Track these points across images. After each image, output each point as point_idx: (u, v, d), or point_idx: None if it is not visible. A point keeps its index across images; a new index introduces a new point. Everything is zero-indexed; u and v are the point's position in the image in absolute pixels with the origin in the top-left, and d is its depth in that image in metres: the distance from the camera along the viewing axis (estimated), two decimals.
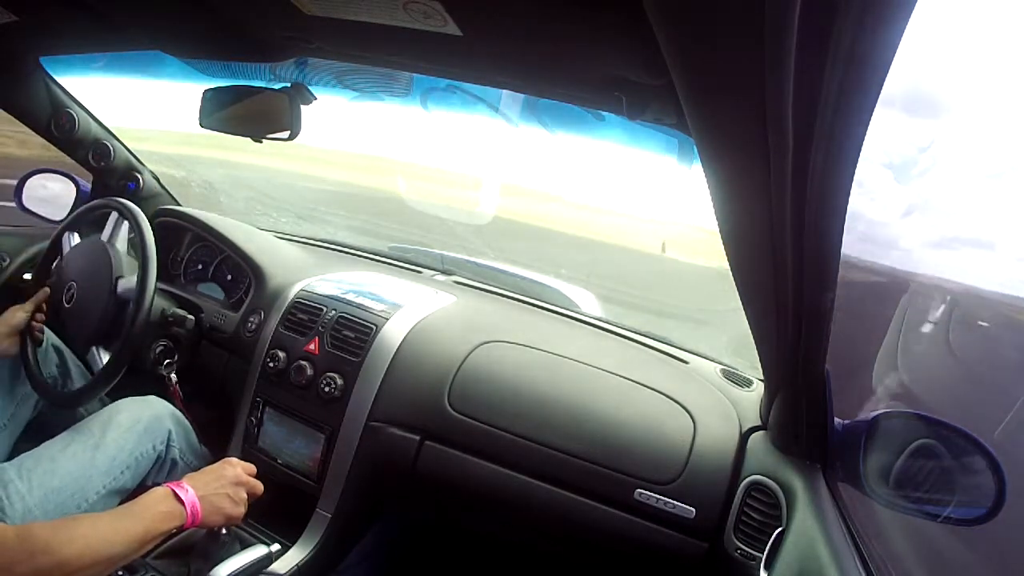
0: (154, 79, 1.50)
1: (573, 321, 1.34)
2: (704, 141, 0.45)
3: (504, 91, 1.04)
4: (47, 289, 1.13)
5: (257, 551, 0.94)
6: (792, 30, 0.30)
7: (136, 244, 1.09)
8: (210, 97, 1.07)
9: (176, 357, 1.23)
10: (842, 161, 0.42)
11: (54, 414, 1.15)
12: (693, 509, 0.93)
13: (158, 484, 0.84)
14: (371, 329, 1.10)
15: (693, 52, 0.36)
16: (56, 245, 1.21)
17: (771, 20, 0.30)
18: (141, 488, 0.98)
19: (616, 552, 1.02)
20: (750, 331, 0.80)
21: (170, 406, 1.08)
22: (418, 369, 1.08)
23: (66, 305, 1.12)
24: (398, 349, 1.09)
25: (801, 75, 0.34)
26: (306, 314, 1.16)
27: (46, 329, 1.15)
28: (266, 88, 1.05)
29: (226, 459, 0.92)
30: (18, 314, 1.07)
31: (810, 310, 0.63)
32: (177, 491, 0.79)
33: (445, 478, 1.05)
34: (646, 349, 1.24)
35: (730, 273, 0.66)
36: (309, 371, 1.10)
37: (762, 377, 1.02)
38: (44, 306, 1.11)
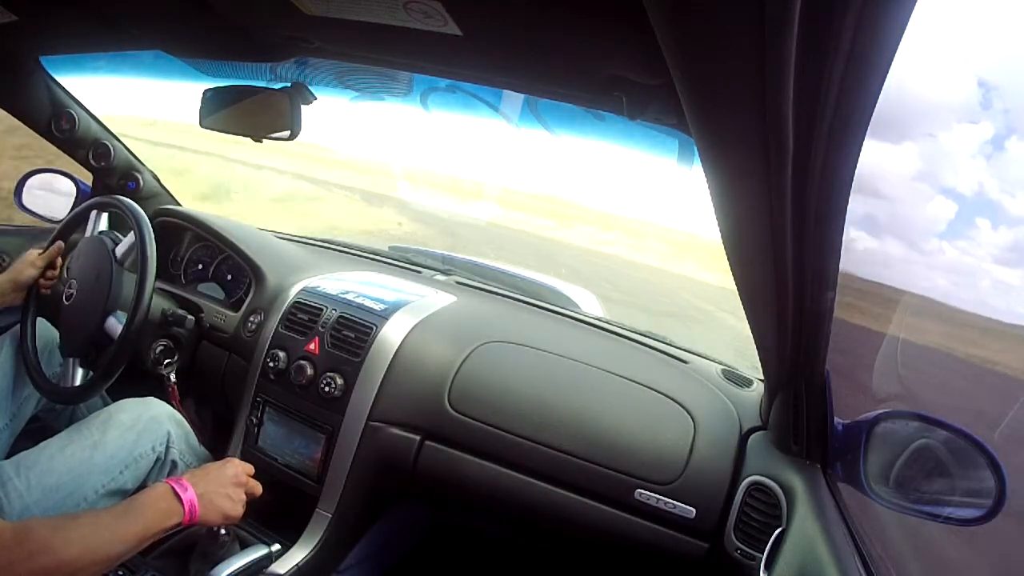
0: (154, 79, 1.50)
1: (573, 321, 1.34)
2: (704, 141, 0.45)
3: (504, 91, 1.04)
4: (61, 243, 1.13)
5: (257, 551, 0.95)
6: (792, 30, 0.30)
7: (135, 244, 1.09)
8: (210, 97, 1.07)
9: (176, 357, 1.23)
10: (842, 161, 0.42)
11: (55, 415, 1.15)
12: (693, 509, 0.93)
13: None
14: (371, 329, 1.10)
15: (693, 52, 0.36)
16: (70, 230, 1.20)
17: (771, 20, 0.30)
18: (141, 489, 0.98)
19: (616, 552, 1.02)
20: (750, 331, 0.80)
21: (169, 407, 1.08)
22: (418, 369, 1.08)
23: (66, 303, 1.12)
24: (398, 349, 1.09)
25: (801, 75, 0.34)
26: (306, 314, 1.16)
27: (49, 327, 1.16)
28: (266, 88, 1.05)
29: (227, 459, 0.92)
30: (28, 270, 1.09)
31: (810, 311, 0.63)
32: (176, 488, 0.79)
33: (445, 478, 1.05)
34: (646, 349, 1.24)
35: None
36: (309, 371, 1.10)
37: (762, 377, 1.02)
38: (57, 262, 1.13)
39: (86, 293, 1.11)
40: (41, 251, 1.14)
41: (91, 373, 1.08)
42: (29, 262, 1.11)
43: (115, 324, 1.07)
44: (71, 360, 1.09)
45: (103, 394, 1.13)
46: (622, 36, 0.56)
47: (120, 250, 1.11)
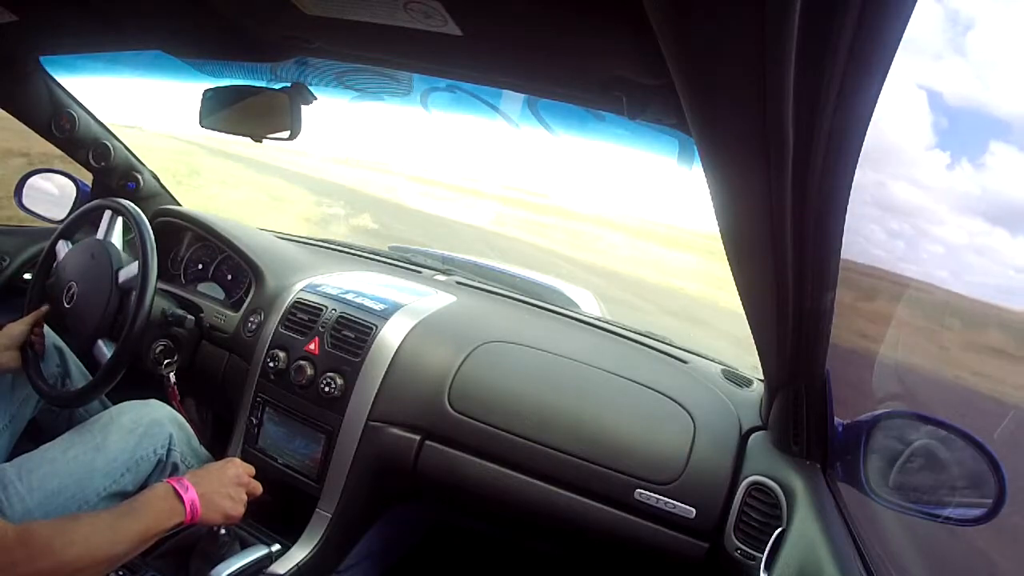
0: (154, 79, 1.50)
1: (573, 321, 1.34)
2: (704, 141, 0.45)
3: (504, 91, 1.04)
4: (47, 306, 1.12)
5: (257, 551, 0.95)
6: (792, 30, 0.30)
7: (135, 244, 1.09)
8: (210, 97, 1.07)
9: (176, 357, 1.23)
10: (842, 161, 0.42)
11: (55, 416, 1.15)
12: (693, 509, 0.93)
13: None
14: (371, 329, 1.10)
15: (693, 52, 0.36)
16: (55, 247, 1.21)
17: (772, 19, 0.30)
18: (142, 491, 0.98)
19: (616, 552, 1.02)
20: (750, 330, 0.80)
21: (171, 409, 1.08)
22: (418, 369, 1.08)
23: (66, 305, 1.12)
24: (398, 349, 1.09)
25: (801, 75, 0.34)
26: (306, 314, 1.16)
27: (47, 328, 1.15)
28: (266, 88, 1.05)
29: (228, 459, 0.92)
30: (17, 328, 1.06)
31: (810, 310, 0.63)
32: (177, 488, 0.79)
33: (445, 478, 1.05)
34: (646, 349, 1.24)
35: None
36: (309, 371, 1.10)
37: (762, 377, 1.02)
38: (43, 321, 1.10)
39: (89, 274, 1.11)
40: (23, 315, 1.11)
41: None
42: (15, 324, 1.07)
43: (130, 273, 1.07)
44: (99, 342, 1.08)
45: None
46: (622, 36, 0.56)
47: (100, 232, 1.12)
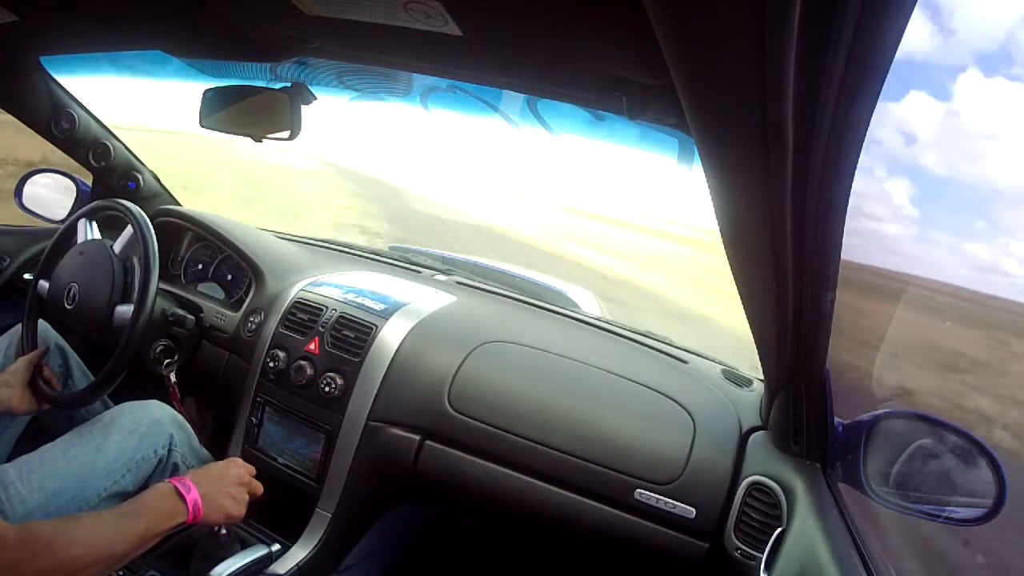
0: (154, 79, 1.50)
1: (573, 321, 1.34)
2: (704, 141, 0.45)
3: (504, 91, 1.04)
4: (48, 347, 1.11)
5: (257, 551, 0.95)
6: (792, 30, 0.30)
7: (135, 243, 1.09)
8: (210, 97, 1.07)
9: (176, 357, 1.23)
10: (842, 161, 0.42)
11: (55, 416, 1.15)
12: (693, 509, 0.93)
13: None
14: (371, 329, 1.10)
15: (693, 52, 0.36)
16: (62, 243, 1.20)
17: (772, 20, 0.30)
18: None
19: (616, 552, 1.02)
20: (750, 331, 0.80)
21: (171, 410, 1.08)
22: (418, 369, 1.08)
23: (68, 306, 1.11)
24: (398, 349, 1.09)
25: (801, 75, 0.34)
26: (306, 314, 1.16)
27: (51, 329, 1.15)
28: (266, 88, 1.05)
29: (230, 459, 0.92)
30: (18, 368, 1.02)
31: (810, 310, 0.63)
32: (179, 488, 0.79)
33: (445, 478, 1.05)
34: (646, 349, 1.24)
35: None
36: (309, 371, 1.10)
37: (762, 377, 1.02)
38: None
39: (90, 284, 1.10)
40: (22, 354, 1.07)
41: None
42: (20, 363, 1.04)
43: (123, 317, 1.06)
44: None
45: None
46: (622, 36, 0.56)
47: (118, 246, 1.11)
